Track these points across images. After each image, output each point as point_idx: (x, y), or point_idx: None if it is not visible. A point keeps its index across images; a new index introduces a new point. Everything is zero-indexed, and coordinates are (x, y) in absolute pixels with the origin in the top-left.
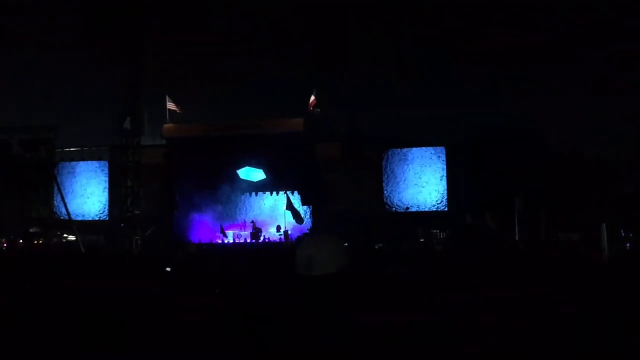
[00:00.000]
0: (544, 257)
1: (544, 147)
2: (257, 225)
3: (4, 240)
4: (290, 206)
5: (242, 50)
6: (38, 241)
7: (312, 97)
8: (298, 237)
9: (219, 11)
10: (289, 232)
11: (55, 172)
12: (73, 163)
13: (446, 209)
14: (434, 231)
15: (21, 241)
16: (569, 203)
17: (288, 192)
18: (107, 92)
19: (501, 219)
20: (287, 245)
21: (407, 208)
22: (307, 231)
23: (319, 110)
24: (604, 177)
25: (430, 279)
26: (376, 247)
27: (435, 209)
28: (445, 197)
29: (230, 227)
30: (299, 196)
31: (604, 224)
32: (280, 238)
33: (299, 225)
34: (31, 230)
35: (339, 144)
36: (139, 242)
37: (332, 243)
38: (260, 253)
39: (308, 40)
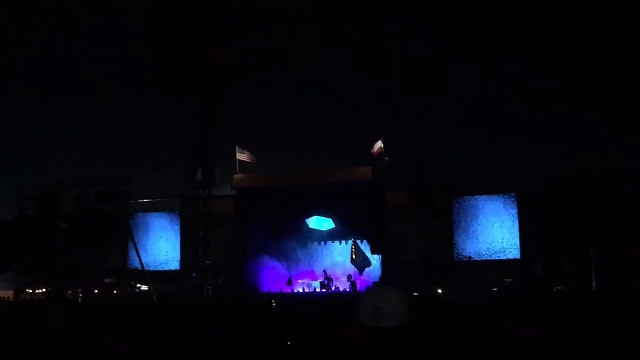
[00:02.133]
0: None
1: (619, 193)
2: (329, 275)
3: (80, 290)
4: (357, 256)
5: (310, 101)
6: (112, 291)
7: (378, 144)
8: (367, 287)
9: (284, 63)
10: (357, 282)
11: (130, 223)
12: (146, 214)
13: (519, 256)
14: (507, 280)
15: (96, 291)
16: None
17: (357, 240)
18: (178, 144)
19: (576, 267)
20: (355, 295)
21: (470, 257)
22: (377, 280)
23: (387, 158)
24: None
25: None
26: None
27: (507, 257)
28: (518, 245)
29: (300, 277)
30: (369, 245)
31: None
32: (349, 287)
33: (367, 271)
34: (106, 280)
35: (407, 193)
36: (209, 291)
37: (400, 294)
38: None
39: (375, 89)
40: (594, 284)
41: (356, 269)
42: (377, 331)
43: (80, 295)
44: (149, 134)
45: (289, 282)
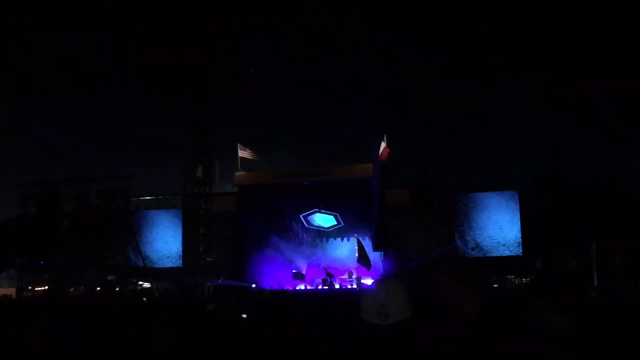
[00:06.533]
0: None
1: (621, 189)
2: (330, 272)
3: (81, 288)
4: (361, 253)
5: (311, 98)
6: (115, 288)
7: (383, 145)
8: (372, 283)
9: (286, 61)
10: (360, 278)
11: (132, 220)
12: (148, 211)
13: (520, 253)
14: (509, 277)
15: (98, 289)
16: None
17: (359, 237)
18: (180, 140)
19: (579, 263)
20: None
21: (474, 248)
22: (380, 278)
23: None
24: None
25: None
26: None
27: (509, 254)
28: (520, 241)
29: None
30: (370, 243)
31: None
32: (350, 283)
33: (368, 271)
34: (109, 277)
35: (407, 190)
36: (211, 289)
37: (404, 289)
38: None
39: (377, 85)
40: (595, 280)
41: (362, 265)
42: (384, 329)
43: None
44: (150, 131)
45: (300, 277)
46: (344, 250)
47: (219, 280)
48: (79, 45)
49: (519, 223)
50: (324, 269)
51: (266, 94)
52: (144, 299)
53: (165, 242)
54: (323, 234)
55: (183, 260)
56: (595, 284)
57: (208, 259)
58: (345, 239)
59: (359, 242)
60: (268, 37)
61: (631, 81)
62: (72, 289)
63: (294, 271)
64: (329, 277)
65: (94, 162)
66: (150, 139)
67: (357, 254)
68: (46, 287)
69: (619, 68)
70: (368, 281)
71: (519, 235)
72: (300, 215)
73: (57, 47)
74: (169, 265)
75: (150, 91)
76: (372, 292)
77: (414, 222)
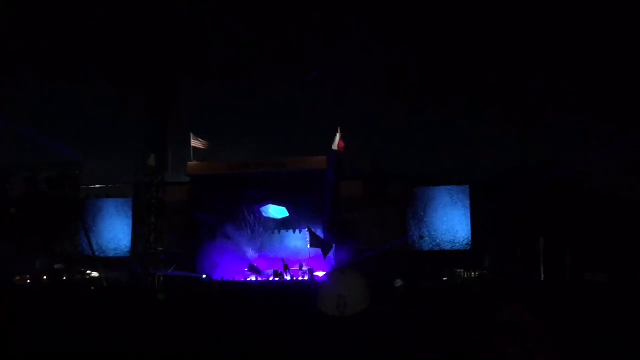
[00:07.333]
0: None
1: (571, 185)
2: (286, 264)
3: (28, 276)
4: (315, 242)
5: (266, 88)
6: (62, 277)
7: (338, 138)
8: (329, 274)
9: (243, 50)
10: (313, 270)
11: (81, 208)
12: (98, 200)
13: (470, 247)
14: (459, 270)
15: (45, 277)
16: (596, 242)
17: (311, 227)
18: (132, 129)
19: (527, 258)
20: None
21: (422, 237)
22: (335, 268)
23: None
24: (634, 216)
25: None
26: (397, 285)
27: (459, 248)
28: (470, 236)
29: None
30: (322, 234)
31: None
32: (302, 275)
33: (324, 258)
34: (56, 266)
35: (362, 182)
36: (161, 279)
37: (362, 280)
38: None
39: (332, 78)
40: (542, 275)
41: (315, 254)
42: (343, 320)
43: (29, 281)
44: (103, 118)
45: (256, 270)
46: (297, 241)
47: (170, 271)
48: (33, 30)
49: (470, 217)
50: (282, 260)
51: (227, 85)
52: (92, 288)
53: (115, 231)
54: (275, 226)
55: (132, 250)
56: (542, 277)
57: (159, 248)
58: (298, 230)
59: (311, 232)
60: (225, 28)
61: (585, 81)
62: (17, 278)
63: (250, 264)
64: (285, 271)
65: (43, 149)
66: (102, 127)
67: (309, 245)
68: None
69: (577, 68)
70: (321, 273)
71: (469, 229)
72: (253, 207)
73: (9, 31)
74: (119, 254)
75: (111, 82)
76: (330, 283)
77: (368, 214)
